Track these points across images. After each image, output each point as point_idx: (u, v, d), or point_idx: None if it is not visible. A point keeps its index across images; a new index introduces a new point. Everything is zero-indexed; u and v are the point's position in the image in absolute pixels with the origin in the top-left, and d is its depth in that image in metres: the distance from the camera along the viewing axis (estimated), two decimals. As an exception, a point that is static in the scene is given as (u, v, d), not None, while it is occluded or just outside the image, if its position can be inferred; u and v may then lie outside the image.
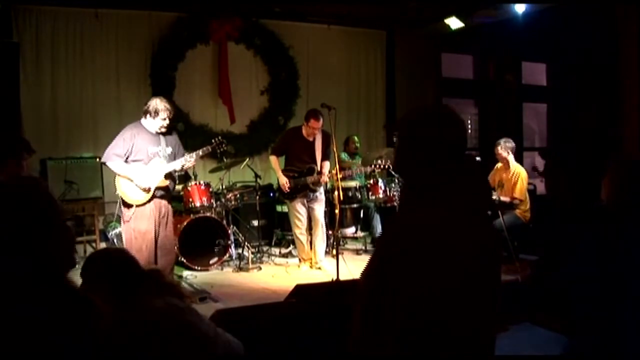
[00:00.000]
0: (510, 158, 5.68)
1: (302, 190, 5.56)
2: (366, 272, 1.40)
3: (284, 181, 5.51)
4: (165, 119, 4.38)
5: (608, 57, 6.56)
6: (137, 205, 4.33)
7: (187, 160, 4.55)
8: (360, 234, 6.98)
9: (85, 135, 6.41)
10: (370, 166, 5.67)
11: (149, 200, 4.36)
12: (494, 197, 5.28)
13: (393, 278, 1.33)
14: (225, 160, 6.02)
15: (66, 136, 6.39)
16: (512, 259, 5.41)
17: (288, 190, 5.54)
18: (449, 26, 7.26)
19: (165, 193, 4.49)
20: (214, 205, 5.75)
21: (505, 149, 5.68)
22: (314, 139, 5.55)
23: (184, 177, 5.81)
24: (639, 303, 2.04)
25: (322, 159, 5.56)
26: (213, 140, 4.95)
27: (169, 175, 4.48)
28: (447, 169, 1.41)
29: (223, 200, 5.92)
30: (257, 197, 6.12)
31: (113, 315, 1.57)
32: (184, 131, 6.72)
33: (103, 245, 5.89)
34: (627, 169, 2.34)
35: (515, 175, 5.62)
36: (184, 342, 1.74)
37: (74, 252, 1.41)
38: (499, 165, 5.86)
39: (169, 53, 6.79)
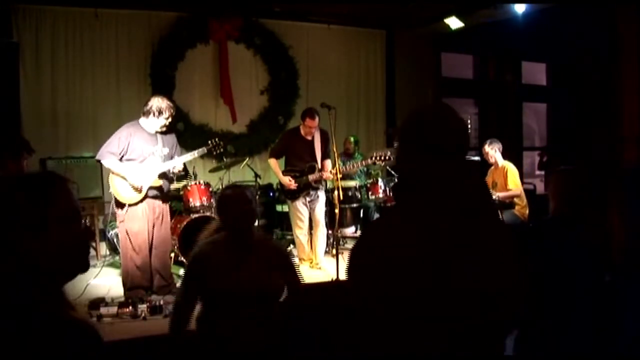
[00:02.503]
0: (497, 155, 5.78)
1: (304, 189, 5.53)
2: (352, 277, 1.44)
3: (287, 180, 5.46)
4: (168, 118, 4.37)
5: (608, 57, 6.56)
6: (129, 205, 4.30)
7: (185, 159, 4.55)
8: (360, 233, 6.97)
9: (85, 135, 6.41)
10: (371, 158, 5.49)
11: (142, 200, 4.33)
12: (493, 197, 5.29)
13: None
14: (225, 160, 6.03)
15: (66, 136, 6.39)
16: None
17: (294, 188, 5.49)
18: (449, 26, 7.26)
19: (159, 193, 4.44)
20: (214, 204, 5.75)
21: (491, 147, 5.77)
22: (313, 137, 5.53)
23: (184, 176, 5.80)
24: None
25: (323, 158, 5.53)
26: (210, 142, 4.88)
27: (163, 175, 4.44)
28: (438, 167, 1.43)
29: (223, 200, 5.91)
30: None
31: None
32: (184, 131, 6.73)
33: (103, 245, 5.88)
34: (565, 180, 2.52)
35: (504, 170, 5.70)
36: None
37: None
38: (492, 167, 5.96)
39: (169, 53, 6.79)
